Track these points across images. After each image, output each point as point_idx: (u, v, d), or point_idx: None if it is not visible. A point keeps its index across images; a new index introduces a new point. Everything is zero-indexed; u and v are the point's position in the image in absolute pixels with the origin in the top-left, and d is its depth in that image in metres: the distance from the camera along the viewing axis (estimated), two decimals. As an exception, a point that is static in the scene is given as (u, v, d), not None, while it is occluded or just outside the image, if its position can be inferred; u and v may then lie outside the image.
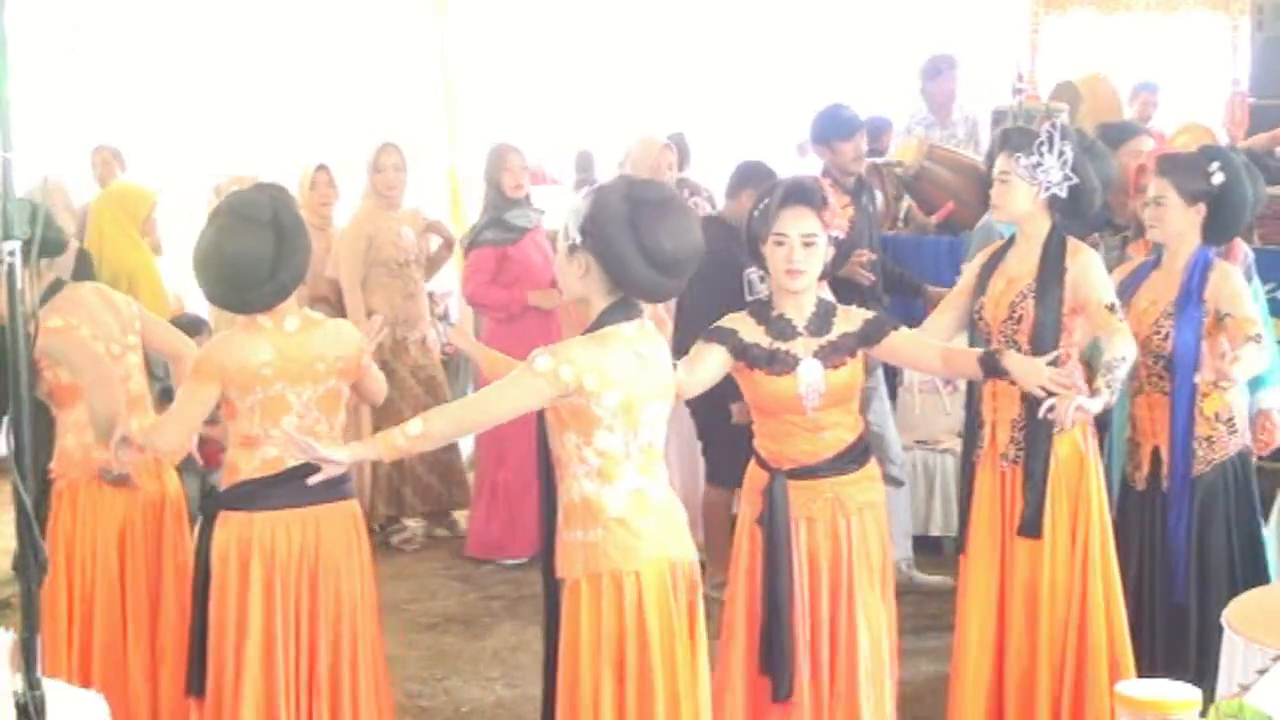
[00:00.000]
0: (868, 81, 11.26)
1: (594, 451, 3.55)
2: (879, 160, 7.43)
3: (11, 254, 2.74)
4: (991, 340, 4.41)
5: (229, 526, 4.04)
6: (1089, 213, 4.51)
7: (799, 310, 4.02)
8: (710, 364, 4.00)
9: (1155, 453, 4.64)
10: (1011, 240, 4.55)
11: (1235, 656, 3.48)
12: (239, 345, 4.04)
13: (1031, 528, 4.33)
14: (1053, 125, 4.40)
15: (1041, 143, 4.32)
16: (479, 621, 6.22)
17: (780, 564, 3.99)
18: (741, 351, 4.01)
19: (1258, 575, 4.56)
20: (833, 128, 6.22)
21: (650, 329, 3.68)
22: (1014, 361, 4.02)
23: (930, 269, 6.68)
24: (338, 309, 6.95)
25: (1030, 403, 4.22)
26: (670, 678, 3.56)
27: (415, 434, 3.56)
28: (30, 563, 2.79)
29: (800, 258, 3.94)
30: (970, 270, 4.60)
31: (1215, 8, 9.59)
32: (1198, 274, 4.52)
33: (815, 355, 3.99)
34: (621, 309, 3.58)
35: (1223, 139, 7.55)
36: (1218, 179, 4.51)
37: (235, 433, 4.08)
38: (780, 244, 3.96)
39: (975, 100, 8.38)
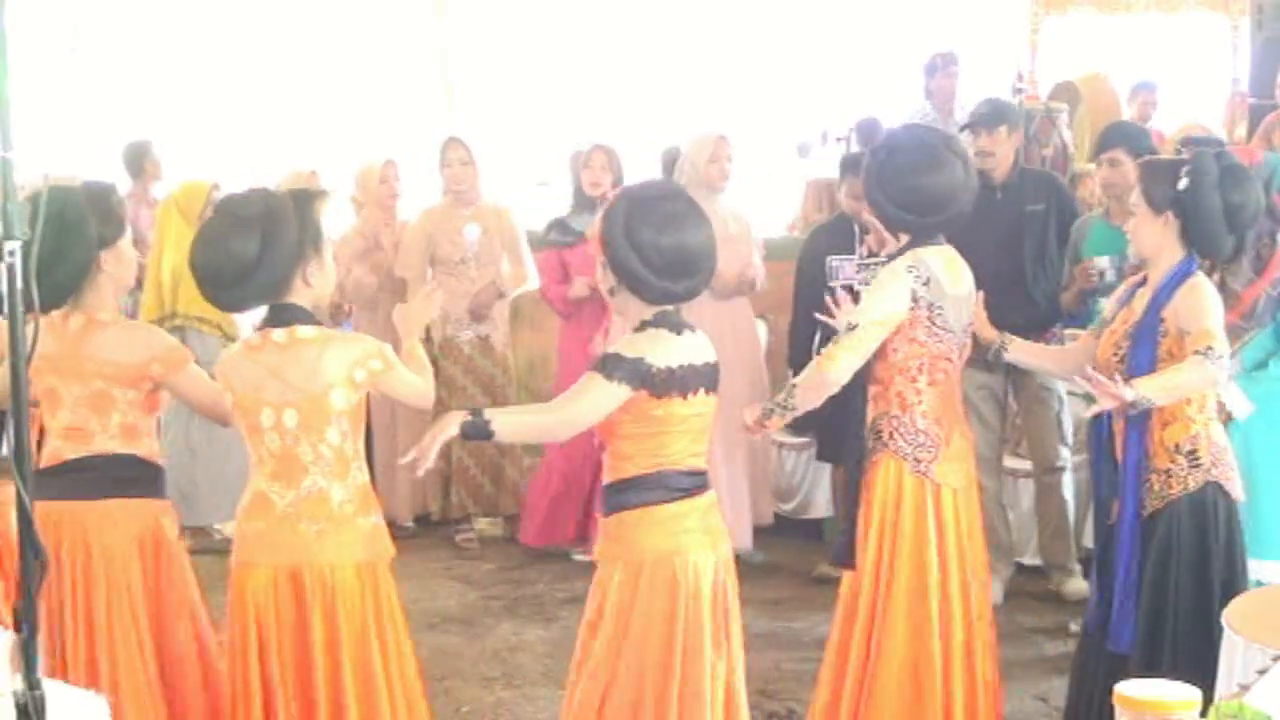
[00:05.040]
0: (868, 81, 11.28)
1: (250, 449, 3.80)
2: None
3: (11, 254, 2.74)
4: None
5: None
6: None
7: None
8: None
9: None
10: None
11: (1235, 656, 3.46)
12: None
13: (841, 554, 4.22)
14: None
15: None
16: (479, 621, 6.21)
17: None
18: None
19: (1206, 633, 3.90)
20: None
21: (284, 338, 3.70)
22: None
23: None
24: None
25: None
26: (296, 678, 3.70)
27: None
28: (30, 563, 2.79)
29: None
30: None
31: (1215, 8, 9.61)
32: (1165, 290, 4.16)
33: None
34: (271, 316, 3.75)
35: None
36: (1183, 184, 4.14)
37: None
38: None
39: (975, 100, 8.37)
